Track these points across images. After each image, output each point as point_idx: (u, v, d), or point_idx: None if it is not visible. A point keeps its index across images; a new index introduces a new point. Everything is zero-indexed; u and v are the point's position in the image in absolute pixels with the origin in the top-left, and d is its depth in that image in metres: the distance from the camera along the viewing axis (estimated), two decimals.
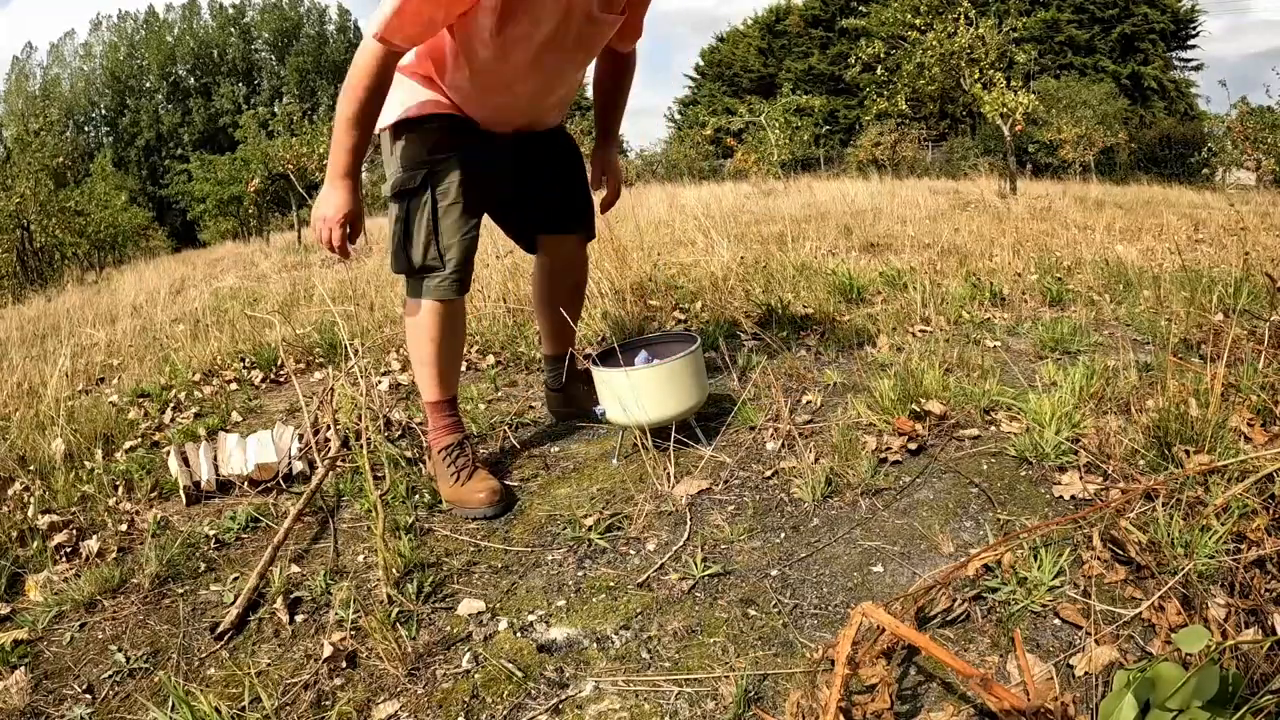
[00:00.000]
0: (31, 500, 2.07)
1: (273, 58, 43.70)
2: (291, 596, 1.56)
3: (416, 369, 1.95)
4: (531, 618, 1.43)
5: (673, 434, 2.00)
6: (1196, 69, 33.47)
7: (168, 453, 2.21)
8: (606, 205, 2.22)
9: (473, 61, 1.72)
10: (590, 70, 2.07)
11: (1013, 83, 11.79)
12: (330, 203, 1.73)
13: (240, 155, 17.53)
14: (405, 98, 1.82)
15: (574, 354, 2.28)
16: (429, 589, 1.54)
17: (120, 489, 2.13)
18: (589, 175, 2.20)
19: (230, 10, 43.25)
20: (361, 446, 1.89)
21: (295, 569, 1.67)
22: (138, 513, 2.00)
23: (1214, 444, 1.65)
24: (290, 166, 12.95)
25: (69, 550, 1.84)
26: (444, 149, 1.82)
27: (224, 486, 2.10)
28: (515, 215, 2.16)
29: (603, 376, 1.97)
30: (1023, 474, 1.75)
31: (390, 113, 1.82)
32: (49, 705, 1.33)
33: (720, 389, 2.41)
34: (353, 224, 1.76)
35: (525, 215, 2.15)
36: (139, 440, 2.56)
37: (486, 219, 2.04)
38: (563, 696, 1.23)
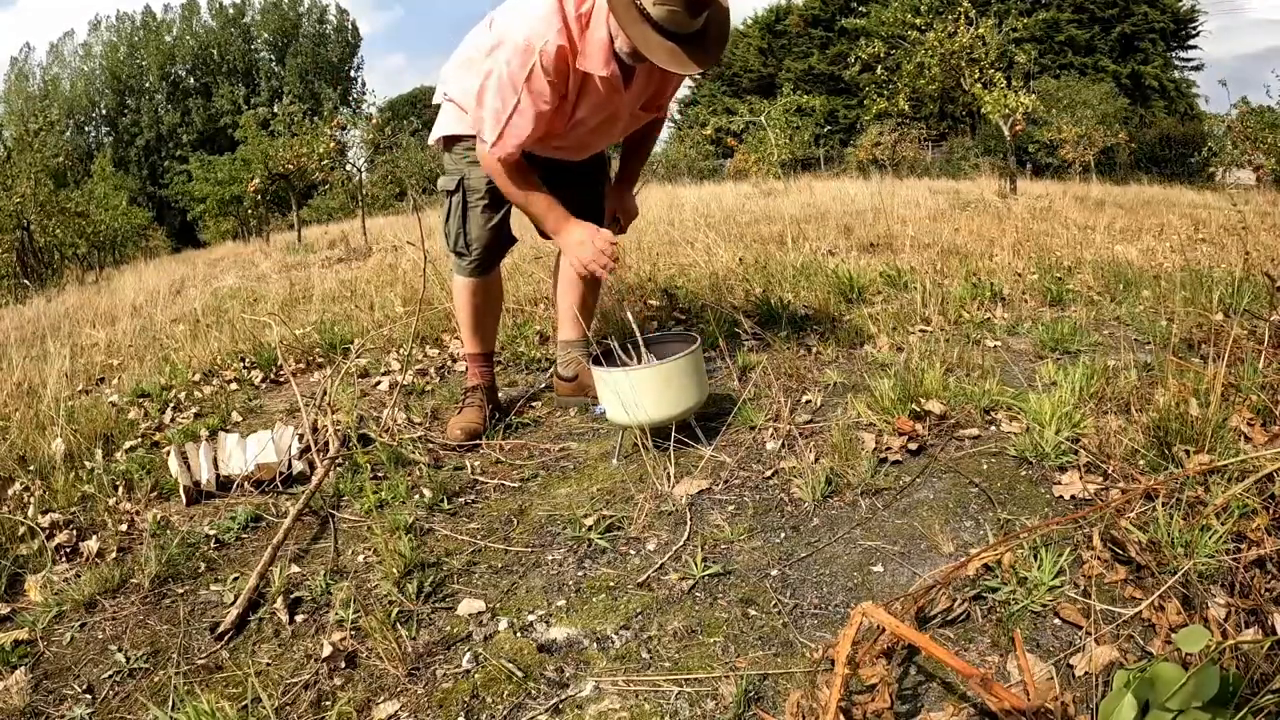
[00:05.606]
0: (31, 500, 2.06)
1: (272, 58, 43.69)
2: (291, 596, 1.56)
3: (460, 326, 2.48)
4: (531, 618, 1.43)
5: (673, 434, 2.00)
6: (1197, 69, 33.50)
7: (168, 453, 2.21)
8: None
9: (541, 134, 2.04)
10: None
11: (1013, 83, 11.79)
12: (580, 239, 2.07)
13: (240, 155, 17.53)
14: (454, 117, 2.21)
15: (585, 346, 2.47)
16: (429, 589, 1.54)
17: (120, 489, 2.13)
18: (606, 213, 2.38)
19: (230, 10, 43.22)
20: (357, 446, 1.89)
21: (295, 569, 1.67)
22: (138, 513, 2.00)
23: (1214, 444, 1.65)
24: (290, 167, 12.94)
25: (69, 550, 1.84)
26: (477, 161, 2.15)
27: (224, 486, 2.10)
28: None
29: (603, 376, 1.97)
30: (1023, 474, 1.75)
31: (441, 127, 2.26)
32: (49, 705, 1.33)
33: (720, 389, 2.41)
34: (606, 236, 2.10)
35: None
36: (139, 440, 2.56)
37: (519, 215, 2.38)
38: (563, 696, 1.23)
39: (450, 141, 2.28)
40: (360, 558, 1.71)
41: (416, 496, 1.94)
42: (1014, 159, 12.07)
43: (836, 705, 1.03)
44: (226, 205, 20.44)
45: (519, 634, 1.39)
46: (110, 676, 1.38)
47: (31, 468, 2.31)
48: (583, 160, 2.35)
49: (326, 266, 7.65)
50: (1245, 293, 2.88)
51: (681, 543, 1.62)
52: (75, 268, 13.19)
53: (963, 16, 11.53)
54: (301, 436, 2.23)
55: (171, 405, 2.94)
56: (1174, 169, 21.12)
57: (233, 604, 1.52)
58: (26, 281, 10.52)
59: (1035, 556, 1.39)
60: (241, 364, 3.39)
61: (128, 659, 1.41)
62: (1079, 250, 4.56)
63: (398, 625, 1.42)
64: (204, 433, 2.50)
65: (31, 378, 3.33)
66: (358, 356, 3.10)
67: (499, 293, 2.48)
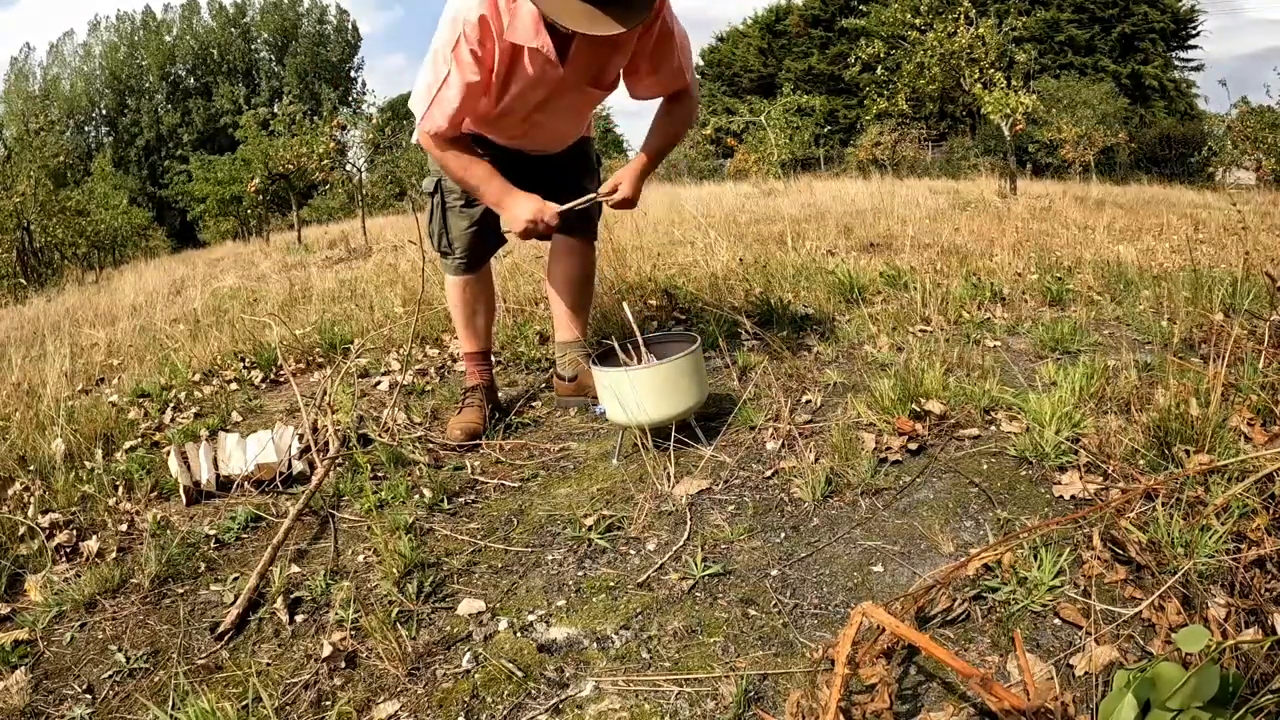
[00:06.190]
0: (31, 500, 2.07)
1: (272, 58, 43.70)
2: (291, 596, 1.56)
3: (455, 325, 2.47)
4: (531, 618, 1.43)
5: (673, 434, 2.00)
6: (1197, 69, 33.51)
7: (168, 453, 2.21)
8: (615, 205, 2.15)
9: (475, 111, 2.01)
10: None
11: (1013, 83, 11.78)
12: (522, 207, 2.03)
13: (240, 155, 17.54)
14: None
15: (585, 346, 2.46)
16: (429, 589, 1.54)
17: (120, 489, 2.13)
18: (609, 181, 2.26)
19: (230, 10, 43.21)
20: (357, 446, 1.89)
21: (295, 569, 1.67)
22: (138, 513, 2.00)
23: (1214, 444, 1.65)
24: (290, 167, 12.93)
25: (69, 550, 1.84)
26: None
27: (224, 486, 2.10)
28: None
29: (603, 377, 1.97)
30: (1023, 474, 1.75)
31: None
32: (49, 705, 1.33)
33: (720, 389, 2.41)
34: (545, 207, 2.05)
35: None
36: (139, 440, 2.56)
37: None
38: (563, 696, 1.23)
39: None
40: (360, 558, 1.71)
41: (416, 496, 1.94)
42: (1014, 159, 12.07)
43: (836, 705, 1.03)
44: (226, 205, 20.45)
45: (519, 634, 1.39)
46: (110, 676, 1.38)
47: (31, 468, 2.31)
48: (557, 155, 2.30)
49: (326, 266, 7.65)
50: (1245, 293, 2.88)
51: (681, 543, 1.62)
52: (75, 268, 13.20)
53: (962, 16, 11.52)
54: (301, 436, 2.23)
55: (171, 405, 2.94)
56: (1174, 169, 21.11)
57: (233, 604, 1.52)
58: (23, 281, 10.52)
59: (1035, 556, 1.39)
60: (241, 364, 3.39)
61: (128, 659, 1.41)
62: (1079, 250, 4.56)
63: (398, 625, 1.42)
64: (204, 433, 2.50)
65: (31, 378, 3.33)
66: (358, 356, 3.10)
67: (490, 290, 2.47)
